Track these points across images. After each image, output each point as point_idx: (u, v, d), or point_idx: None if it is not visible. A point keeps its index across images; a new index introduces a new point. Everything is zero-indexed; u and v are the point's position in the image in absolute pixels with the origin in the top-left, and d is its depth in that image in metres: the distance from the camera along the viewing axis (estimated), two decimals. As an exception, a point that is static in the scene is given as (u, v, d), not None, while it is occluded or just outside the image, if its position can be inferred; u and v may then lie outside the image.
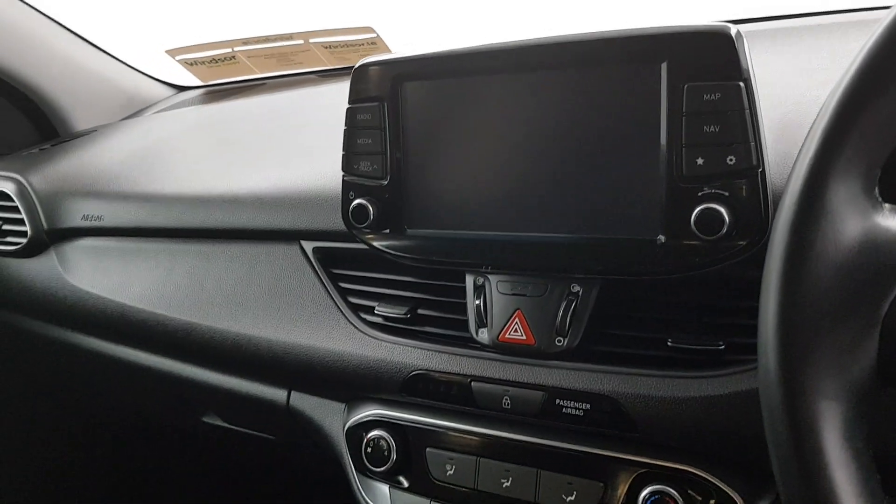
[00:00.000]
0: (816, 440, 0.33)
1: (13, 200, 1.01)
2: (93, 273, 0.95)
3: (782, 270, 0.34)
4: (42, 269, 1.00)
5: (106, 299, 0.92)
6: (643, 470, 0.61)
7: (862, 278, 0.33)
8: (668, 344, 0.59)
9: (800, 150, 0.36)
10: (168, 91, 1.40)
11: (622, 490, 0.61)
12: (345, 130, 0.69)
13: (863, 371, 0.33)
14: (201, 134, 1.12)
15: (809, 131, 0.36)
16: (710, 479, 0.59)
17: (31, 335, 1.07)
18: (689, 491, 0.60)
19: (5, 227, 1.03)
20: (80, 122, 1.24)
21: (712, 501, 0.59)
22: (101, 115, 1.26)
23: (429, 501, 0.69)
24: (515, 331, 0.64)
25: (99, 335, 0.98)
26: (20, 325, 1.08)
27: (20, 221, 1.01)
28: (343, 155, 0.69)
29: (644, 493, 0.60)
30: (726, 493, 0.59)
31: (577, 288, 0.62)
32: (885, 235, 0.34)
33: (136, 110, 1.31)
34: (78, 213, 0.98)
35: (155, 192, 0.94)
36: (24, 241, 1.00)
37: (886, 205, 0.35)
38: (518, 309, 0.65)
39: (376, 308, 0.73)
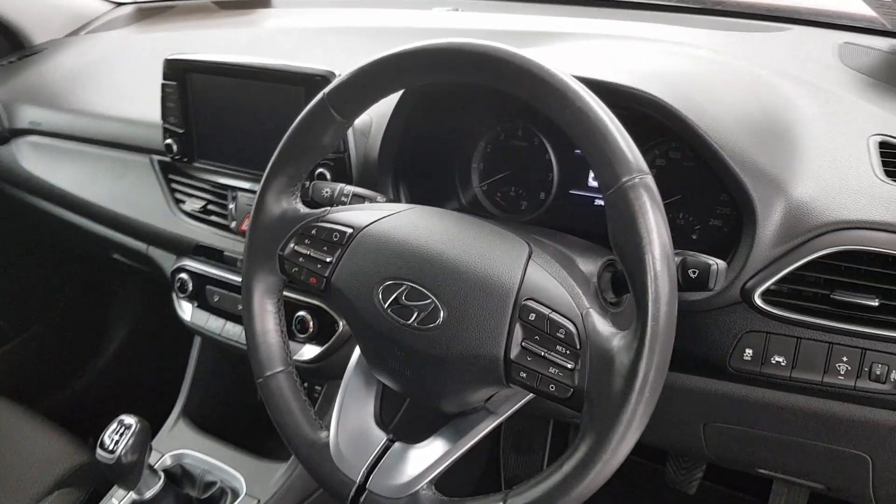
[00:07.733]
0: (253, 295, 0.82)
1: (-15, 104, 1.50)
2: (35, 161, 1.45)
3: (252, 221, 0.82)
4: (8, 155, 1.50)
5: (42, 179, 1.42)
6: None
7: (275, 233, 0.81)
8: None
9: None
10: (106, 6, 1.81)
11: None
12: (161, 96, 1.15)
13: (275, 272, 0.82)
14: (114, 62, 1.56)
15: None
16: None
17: (13, 198, 1.58)
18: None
19: (-17, 122, 1.51)
20: (36, 37, 1.68)
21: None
22: (51, 30, 1.70)
23: (208, 314, 1.22)
24: (247, 225, 1.14)
25: (47, 200, 1.50)
26: (9, 191, 1.59)
27: (-8, 120, 1.50)
28: (161, 109, 1.16)
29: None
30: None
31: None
32: (291, 214, 0.80)
33: (80, 25, 1.74)
34: (26, 119, 1.47)
35: (72, 108, 1.42)
36: (-5, 134, 1.50)
37: (327, 208, 0.82)
38: (249, 212, 1.14)
39: (185, 203, 1.22)
